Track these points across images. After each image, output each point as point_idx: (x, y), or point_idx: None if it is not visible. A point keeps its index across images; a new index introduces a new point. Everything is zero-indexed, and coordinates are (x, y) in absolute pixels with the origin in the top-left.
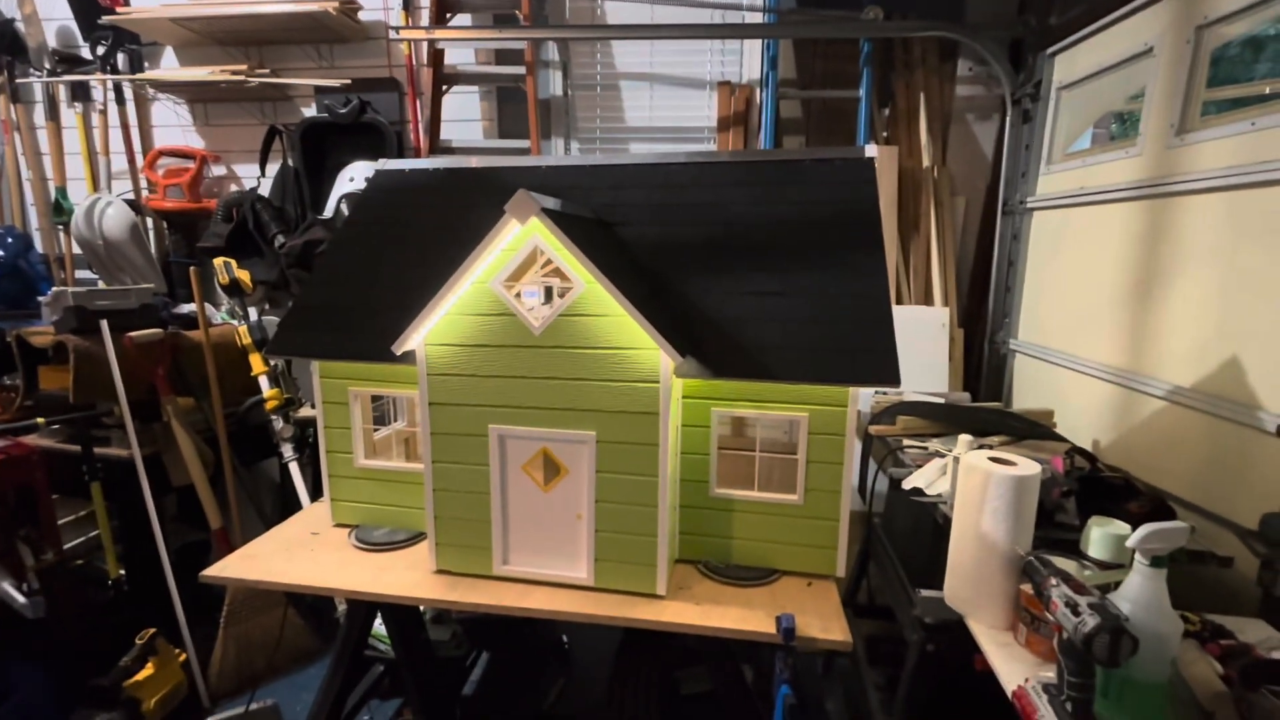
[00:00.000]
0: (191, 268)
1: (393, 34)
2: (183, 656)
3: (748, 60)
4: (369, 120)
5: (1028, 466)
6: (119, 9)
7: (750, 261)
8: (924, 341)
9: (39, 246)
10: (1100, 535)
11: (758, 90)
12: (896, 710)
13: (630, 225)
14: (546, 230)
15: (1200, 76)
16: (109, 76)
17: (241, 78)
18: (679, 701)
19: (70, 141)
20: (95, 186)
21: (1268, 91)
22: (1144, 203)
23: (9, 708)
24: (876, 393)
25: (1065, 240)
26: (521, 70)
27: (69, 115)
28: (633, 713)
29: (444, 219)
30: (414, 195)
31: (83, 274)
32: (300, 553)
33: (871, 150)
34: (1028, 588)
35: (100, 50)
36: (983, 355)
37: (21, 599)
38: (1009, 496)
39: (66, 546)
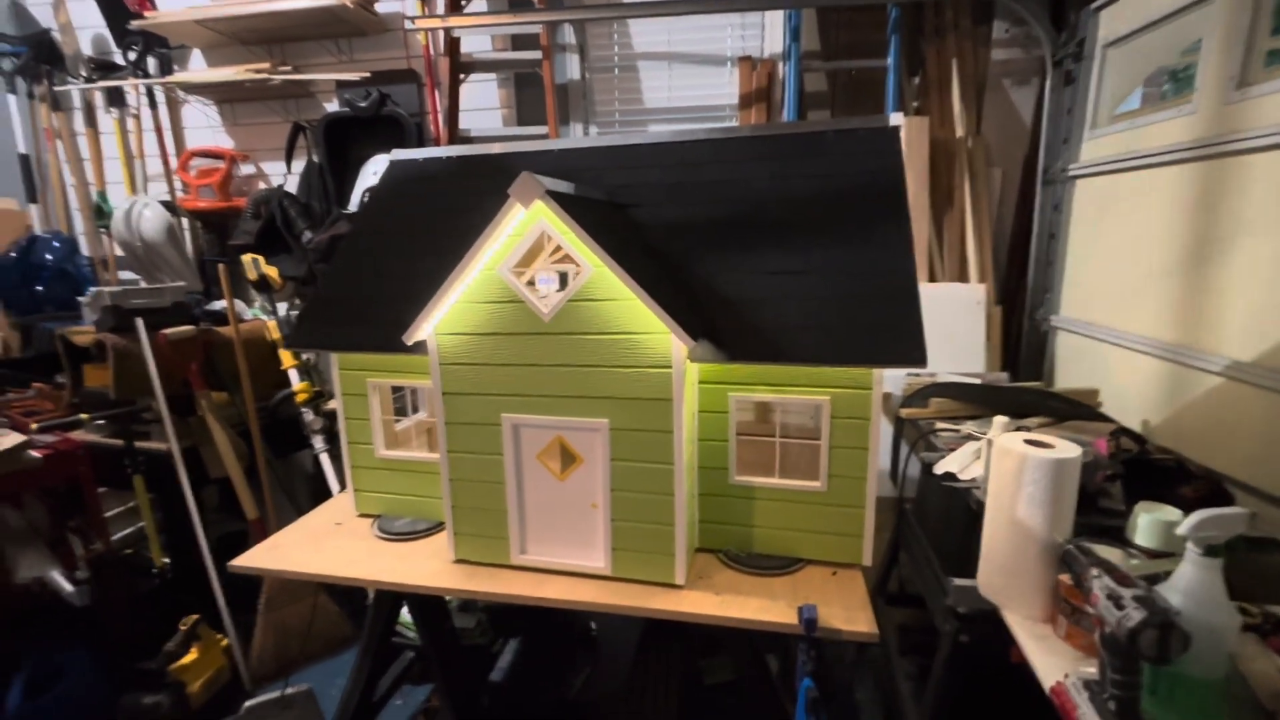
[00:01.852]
0: (220, 265)
1: (408, 23)
2: (224, 642)
3: (769, 34)
4: (389, 113)
5: (1067, 449)
6: (146, 13)
7: (769, 239)
8: (958, 320)
9: (85, 249)
10: (1148, 522)
11: (780, 64)
12: (927, 701)
13: (645, 206)
14: (551, 213)
15: (1264, 22)
16: (139, 80)
17: (264, 76)
18: (702, 691)
19: (108, 146)
20: (133, 189)
21: None
22: (1199, 164)
23: (59, 692)
24: (909, 374)
25: (1111, 209)
26: (538, 55)
27: (106, 121)
28: (654, 702)
29: (456, 207)
30: (427, 185)
31: (125, 274)
32: (324, 543)
33: (896, 118)
34: (1067, 578)
35: (131, 55)
36: (1022, 333)
37: (69, 587)
38: (1046, 481)
39: (115, 537)
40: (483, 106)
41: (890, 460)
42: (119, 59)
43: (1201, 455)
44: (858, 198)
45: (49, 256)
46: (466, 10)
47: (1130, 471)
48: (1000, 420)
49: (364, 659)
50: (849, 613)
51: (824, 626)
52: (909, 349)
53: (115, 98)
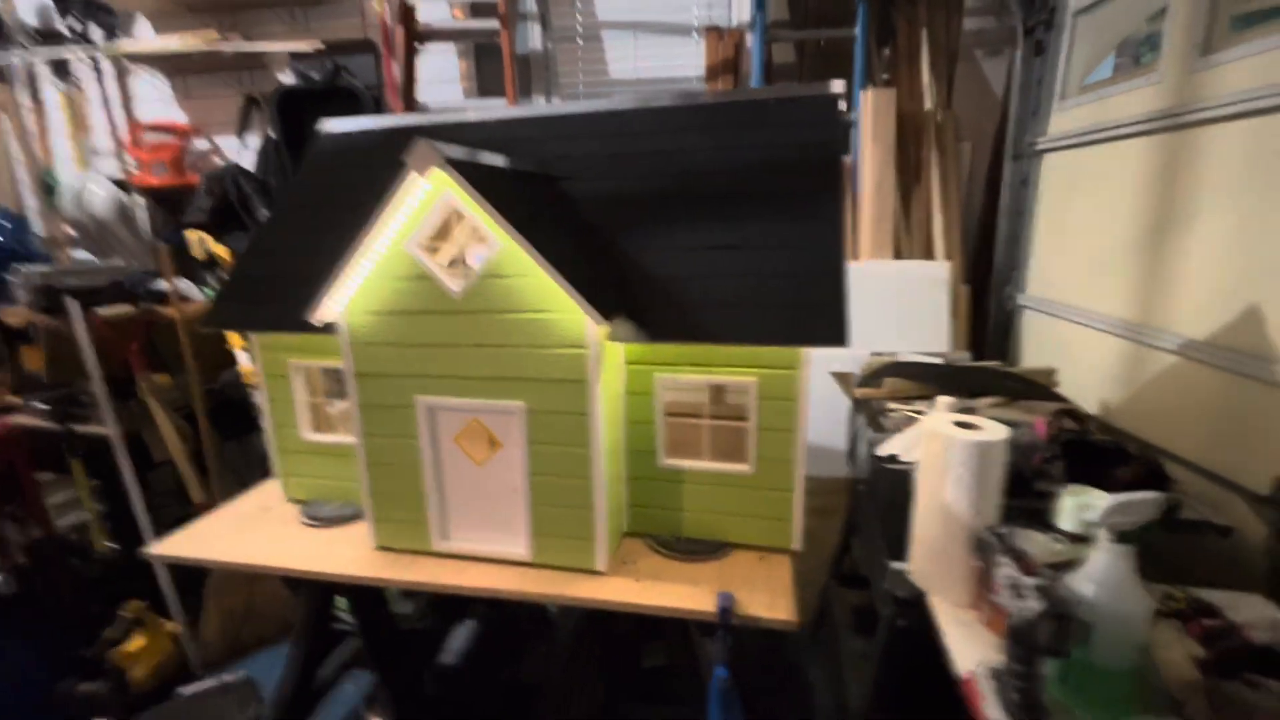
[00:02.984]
0: (161, 244)
1: None
2: (172, 627)
3: (736, 2)
4: (345, 85)
5: (994, 431)
6: None
7: (703, 212)
8: (923, 299)
9: (39, 228)
10: (1071, 506)
11: (747, 34)
12: (866, 683)
13: (581, 178)
14: (454, 184)
15: None
16: (83, 49)
17: (214, 46)
18: (639, 674)
19: (56, 120)
20: (83, 165)
21: None
22: (1163, 136)
23: None
24: (872, 354)
25: (1078, 184)
26: (496, 25)
27: (53, 94)
28: (585, 685)
29: (381, 180)
30: (358, 156)
31: (80, 254)
32: (249, 529)
33: (838, 86)
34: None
35: (74, 23)
36: (989, 313)
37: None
38: (971, 464)
39: (64, 523)
40: (442, 79)
41: (849, 441)
42: (62, 27)
43: (1157, 435)
44: (795, 170)
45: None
46: None
47: (1070, 453)
48: (945, 401)
49: (297, 647)
50: (772, 599)
51: (744, 614)
52: (829, 329)
53: (61, 69)
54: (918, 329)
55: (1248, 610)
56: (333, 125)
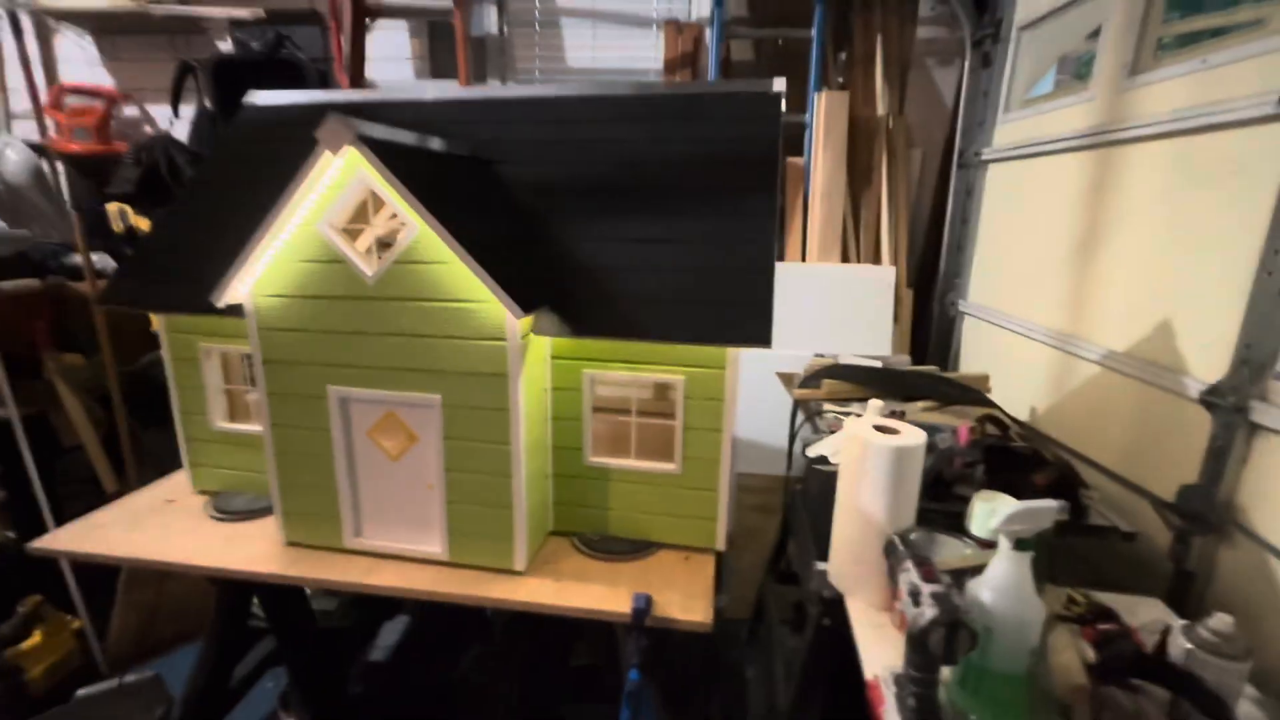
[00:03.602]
0: (76, 213)
1: None
2: (76, 624)
3: None
4: (287, 56)
5: (912, 437)
6: None
7: (636, 204)
8: (867, 302)
9: None
10: (981, 512)
11: (707, 30)
12: (794, 680)
13: (513, 164)
14: (367, 163)
15: (1157, 7)
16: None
17: (144, 6)
18: (567, 673)
19: None
20: None
21: (1226, 23)
22: (1093, 152)
23: None
24: (815, 354)
25: (1017, 196)
26: (449, 4)
27: None
28: (518, 682)
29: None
30: (283, 131)
31: None
32: (148, 522)
33: (779, 84)
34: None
35: None
36: (932, 318)
37: None
38: (887, 468)
39: None
40: (393, 56)
41: (789, 441)
42: None
43: (1079, 442)
44: (731, 165)
45: None
46: None
47: (990, 459)
48: (875, 404)
49: (208, 645)
50: (689, 601)
51: (660, 616)
52: (754, 329)
53: None
54: (862, 331)
55: (1145, 613)
56: (261, 98)
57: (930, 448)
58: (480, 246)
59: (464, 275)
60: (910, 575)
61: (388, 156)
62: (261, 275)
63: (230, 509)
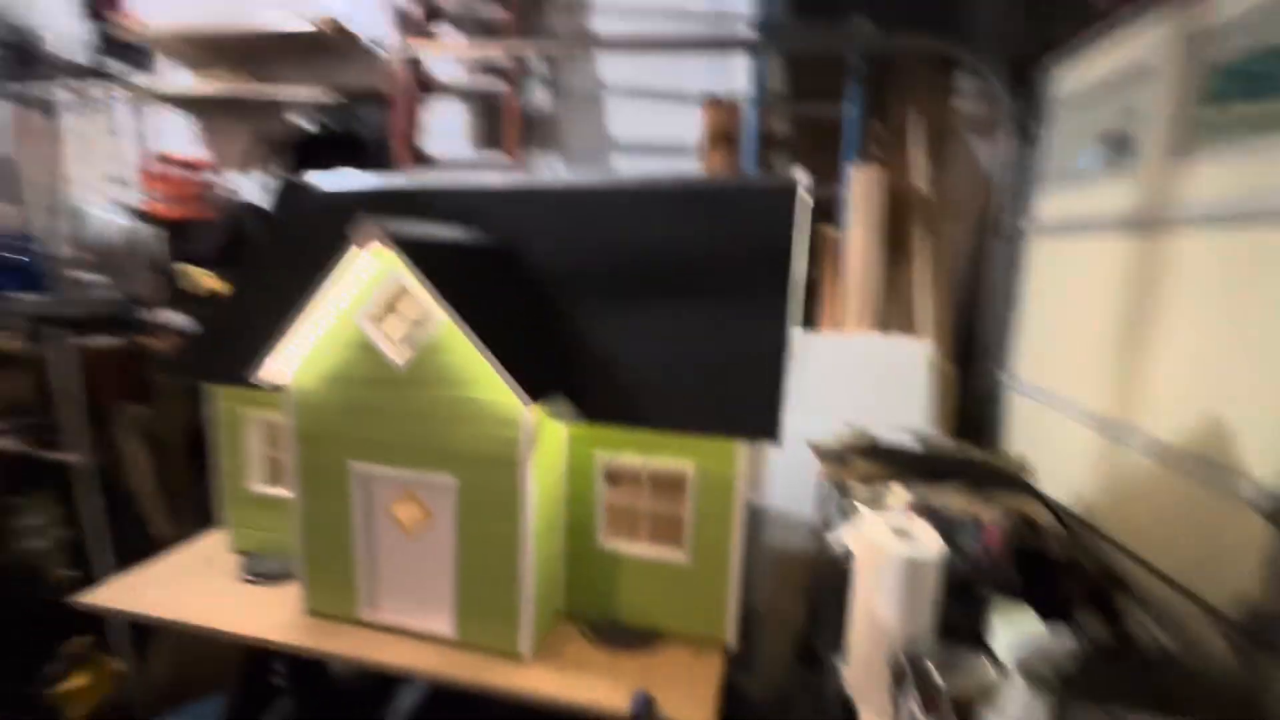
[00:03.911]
0: (158, 276)
1: (375, 48)
2: (117, 666)
3: (737, 75)
4: (353, 132)
5: (928, 545)
6: (121, 19)
7: (651, 295)
8: (903, 374)
9: (59, 251)
10: (1002, 629)
11: (746, 105)
12: None
13: (540, 253)
14: (396, 259)
15: (1202, 92)
16: (110, 85)
17: (232, 88)
18: None
19: (81, 149)
20: (100, 193)
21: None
22: (1140, 232)
23: None
24: (848, 428)
25: (1061, 271)
26: (501, 83)
27: (79, 122)
28: None
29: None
30: (327, 215)
31: (91, 277)
32: (184, 581)
33: (801, 176)
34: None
35: (104, 59)
36: (973, 394)
37: None
38: (900, 580)
39: (31, 546)
40: (450, 130)
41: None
42: (93, 62)
43: (1125, 537)
44: (744, 259)
45: (6, 255)
46: (435, 33)
47: (1021, 563)
48: (899, 493)
49: (230, 702)
50: (692, 703)
51: (661, 715)
52: (761, 424)
53: (88, 101)
54: (897, 404)
55: None
56: (317, 177)
57: (956, 548)
58: (496, 338)
59: (480, 364)
60: (912, 706)
61: (415, 253)
62: (299, 357)
63: (260, 571)
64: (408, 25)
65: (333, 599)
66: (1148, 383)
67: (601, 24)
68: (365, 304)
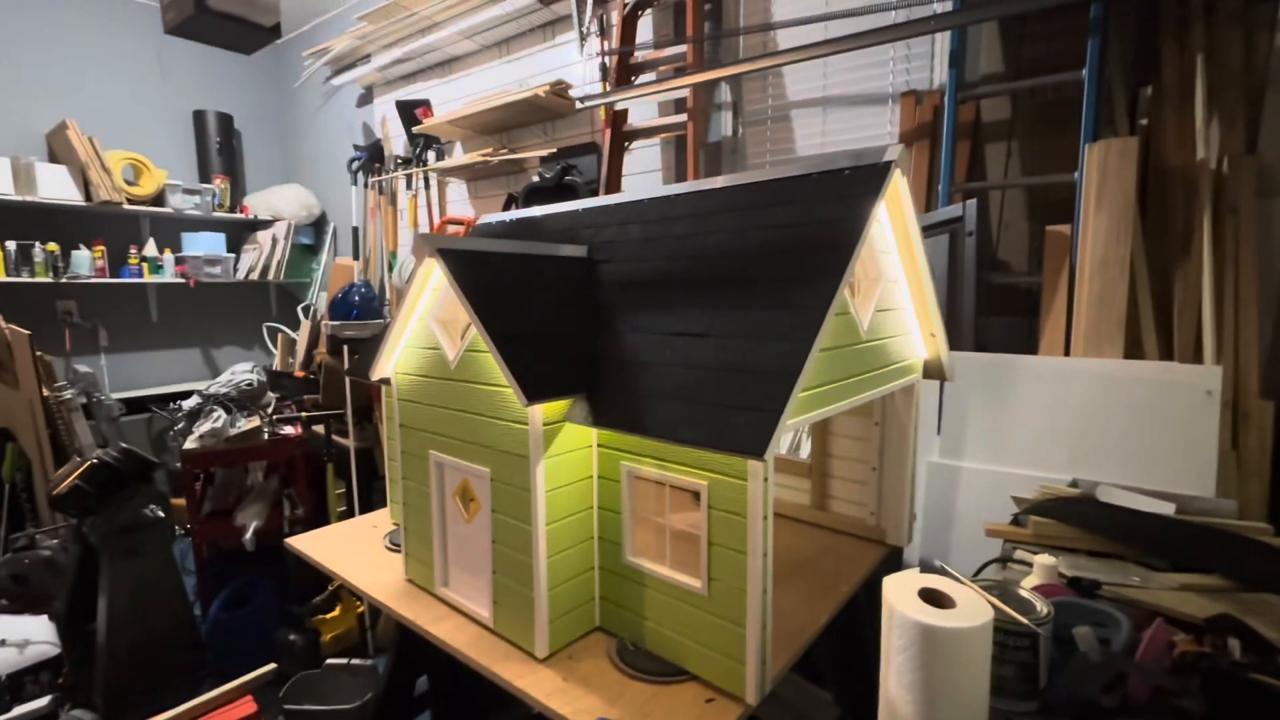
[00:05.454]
0: None
1: (580, 103)
2: (360, 608)
3: (939, 63)
4: (569, 181)
5: (966, 612)
6: (425, 119)
7: (691, 297)
8: (1172, 414)
9: (385, 293)
10: None
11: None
12: None
13: (613, 262)
14: (441, 270)
15: None
16: (417, 169)
17: (485, 158)
18: None
19: (403, 218)
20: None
21: None
22: None
23: (247, 611)
24: (1061, 481)
25: None
26: (684, 119)
27: (403, 199)
28: None
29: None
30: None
31: None
32: (352, 540)
33: (893, 152)
34: None
35: (416, 151)
36: None
37: (248, 534)
38: (917, 653)
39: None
40: (647, 169)
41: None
42: (410, 154)
43: None
44: (803, 251)
45: (358, 297)
46: (637, 83)
47: (1209, 690)
48: (1044, 562)
49: (391, 655)
50: None
51: None
52: (749, 436)
53: (408, 182)
54: (1159, 456)
55: None
56: (489, 216)
57: (1095, 646)
58: (516, 339)
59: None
60: None
61: (456, 263)
62: (399, 356)
63: (397, 541)
64: (615, 79)
65: (421, 571)
66: None
67: (786, 37)
68: (434, 309)
